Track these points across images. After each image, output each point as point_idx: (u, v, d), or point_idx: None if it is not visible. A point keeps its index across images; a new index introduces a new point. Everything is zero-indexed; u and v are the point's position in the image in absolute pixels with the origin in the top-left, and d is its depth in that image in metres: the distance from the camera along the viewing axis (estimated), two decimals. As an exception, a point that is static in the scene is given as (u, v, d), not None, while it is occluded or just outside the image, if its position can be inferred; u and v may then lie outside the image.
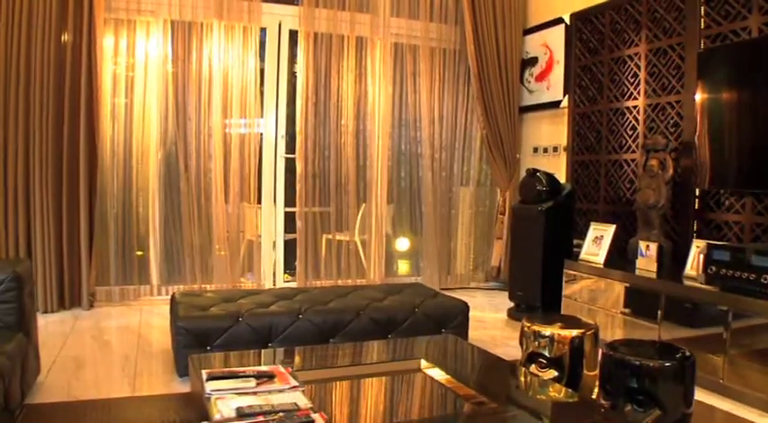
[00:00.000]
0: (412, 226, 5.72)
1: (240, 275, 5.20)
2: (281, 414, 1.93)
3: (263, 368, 2.37)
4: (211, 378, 2.22)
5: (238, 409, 1.95)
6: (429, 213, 5.66)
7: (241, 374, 2.26)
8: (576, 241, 4.75)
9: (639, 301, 3.79)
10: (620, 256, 4.31)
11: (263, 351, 2.94)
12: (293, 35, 5.31)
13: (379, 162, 5.54)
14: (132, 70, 4.92)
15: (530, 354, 2.78)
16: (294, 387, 2.18)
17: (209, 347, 3.13)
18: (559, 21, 5.28)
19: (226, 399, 2.06)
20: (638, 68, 4.49)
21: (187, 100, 4.99)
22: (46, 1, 4.42)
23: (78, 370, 3.36)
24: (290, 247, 5.46)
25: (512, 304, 4.89)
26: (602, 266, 4.16)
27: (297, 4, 5.22)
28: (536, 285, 4.58)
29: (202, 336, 3.13)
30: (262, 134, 5.25)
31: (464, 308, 3.70)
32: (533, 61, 5.62)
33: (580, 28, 5.03)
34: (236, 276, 5.14)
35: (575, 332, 2.73)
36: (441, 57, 5.66)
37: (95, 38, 4.57)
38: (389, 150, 5.59)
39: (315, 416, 1.92)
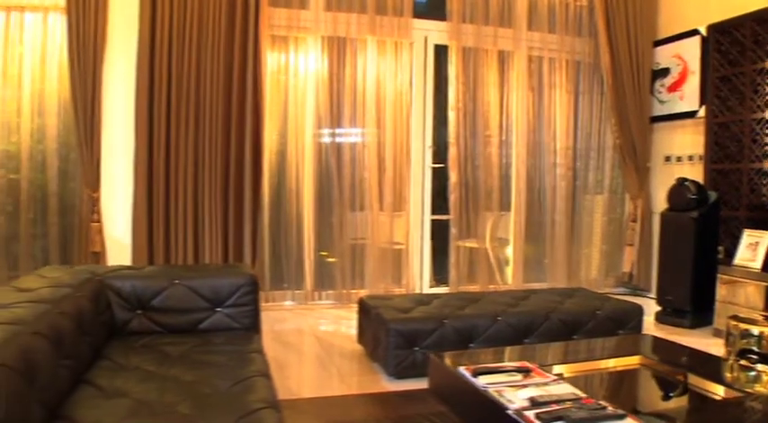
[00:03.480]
0: (542, 232, 5.91)
1: (391, 282, 5.46)
2: (568, 402, 2.16)
3: (514, 364, 2.60)
4: (478, 373, 2.46)
5: (531, 399, 2.18)
6: (561, 220, 5.88)
7: (502, 369, 2.50)
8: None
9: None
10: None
11: (493, 349, 3.14)
12: (438, 49, 5.60)
13: (518, 171, 5.79)
14: (289, 84, 5.28)
15: (740, 350, 2.98)
16: (556, 379, 2.40)
17: (416, 348, 3.39)
18: (694, 32, 5.42)
19: (505, 391, 2.30)
20: (786, 79, 4.61)
21: (341, 112, 5.32)
22: (215, 19, 4.80)
23: (283, 370, 3.63)
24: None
25: (652, 309, 5.06)
26: (759, 271, 4.30)
27: (444, 20, 5.51)
28: (686, 290, 4.74)
29: (412, 337, 3.38)
30: (410, 145, 5.52)
31: (639, 311, 3.90)
32: (664, 72, 5.77)
33: (718, 39, 5.16)
34: (388, 283, 5.42)
35: (783, 331, 2.92)
36: (575, 68, 5.90)
37: (260, 54, 4.89)
38: (527, 159, 5.81)
39: (602, 402, 2.14)
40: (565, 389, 2.29)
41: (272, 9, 5.04)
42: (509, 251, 5.92)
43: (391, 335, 3.36)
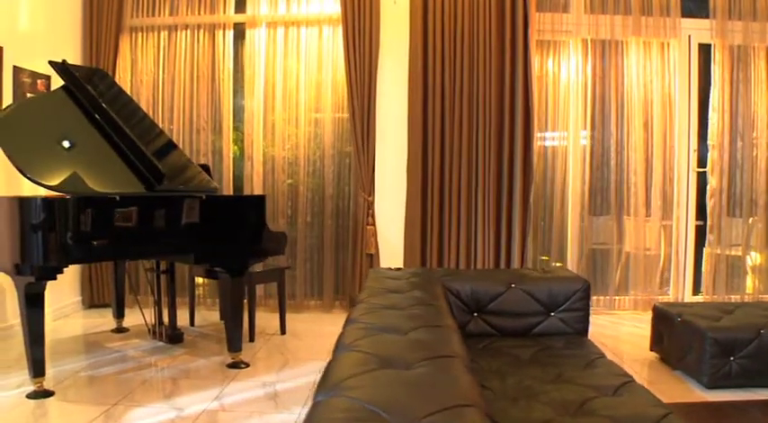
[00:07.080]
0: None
1: (652, 288, 5.36)
2: None
3: None
4: None
5: None
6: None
7: None
8: None
9: None
10: None
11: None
12: (700, 48, 5.41)
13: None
14: (553, 87, 5.38)
15: None
16: None
17: (732, 358, 3.31)
18: None
19: None
20: None
21: (606, 116, 5.31)
22: (485, 25, 4.99)
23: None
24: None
25: None
26: None
27: (706, 17, 5.32)
28: None
29: (729, 346, 3.31)
30: (674, 148, 5.38)
31: None
32: None
33: None
34: (654, 289, 5.34)
35: None
36: None
37: (530, 58, 4.97)
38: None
39: None
40: None
41: (537, 14, 5.12)
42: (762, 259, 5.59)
43: (707, 343, 3.31)
